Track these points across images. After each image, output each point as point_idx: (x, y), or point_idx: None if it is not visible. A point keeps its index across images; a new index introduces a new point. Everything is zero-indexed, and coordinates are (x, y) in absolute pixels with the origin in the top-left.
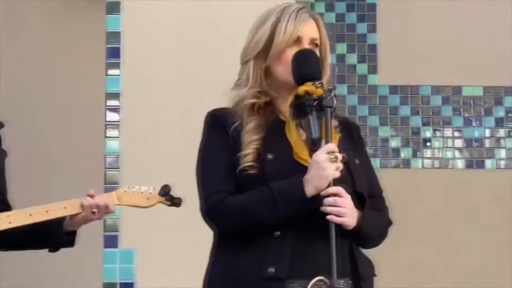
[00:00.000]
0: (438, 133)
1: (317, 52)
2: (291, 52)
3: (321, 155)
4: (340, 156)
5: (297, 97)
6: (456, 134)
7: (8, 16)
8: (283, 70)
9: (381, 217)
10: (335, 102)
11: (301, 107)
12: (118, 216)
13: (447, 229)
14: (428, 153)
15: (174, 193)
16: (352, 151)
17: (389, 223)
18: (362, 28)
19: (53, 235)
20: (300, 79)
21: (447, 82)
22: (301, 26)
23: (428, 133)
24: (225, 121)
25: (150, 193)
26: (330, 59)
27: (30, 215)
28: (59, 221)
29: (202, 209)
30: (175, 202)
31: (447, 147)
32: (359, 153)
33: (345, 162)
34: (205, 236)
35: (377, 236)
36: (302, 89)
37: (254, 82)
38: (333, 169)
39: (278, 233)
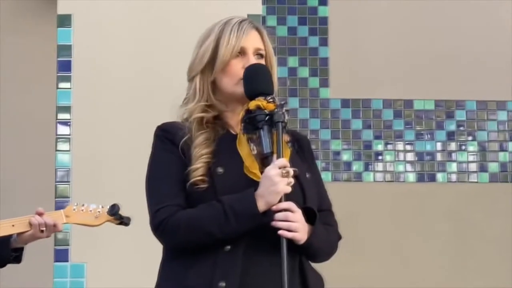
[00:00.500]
0: (389, 147)
1: (263, 62)
2: (236, 64)
3: (272, 170)
4: (291, 171)
5: (249, 111)
6: (408, 147)
7: None
8: (230, 82)
9: (331, 231)
10: (286, 117)
11: (252, 121)
12: (69, 230)
13: (398, 242)
14: (379, 166)
15: (123, 212)
16: (303, 165)
17: (338, 237)
18: (314, 41)
19: (1, 252)
20: (252, 94)
21: (398, 95)
22: (244, 37)
23: (379, 147)
24: (175, 135)
25: (99, 211)
26: (276, 70)
27: None
28: (6, 238)
29: (151, 223)
30: (123, 221)
31: (398, 160)
32: (309, 167)
33: (296, 176)
34: (156, 250)
35: (328, 250)
36: (253, 103)
37: (201, 96)
38: (285, 184)
39: (228, 247)
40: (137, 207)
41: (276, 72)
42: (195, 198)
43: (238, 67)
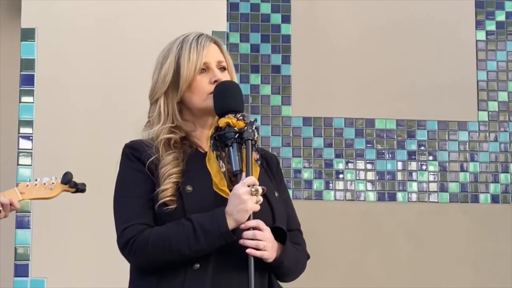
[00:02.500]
0: (350, 165)
1: (227, 75)
2: (202, 80)
3: (241, 187)
4: (260, 189)
5: (218, 128)
6: (369, 166)
7: None
8: (199, 99)
9: (300, 251)
10: (256, 134)
11: (222, 139)
12: (29, 245)
13: (358, 260)
14: (340, 185)
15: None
16: (271, 184)
17: (307, 256)
18: (276, 59)
19: None
20: (222, 111)
21: (360, 114)
22: (204, 52)
23: (340, 165)
24: (143, 153)
25: (53, 183)
26: (236, 80)
27: None
28: None
29: (118, 242)
30: (79, 188)
31: (359, 179)
32: (277, 186)
33: (264, 195)
34: (118, 266)
35: (297, 270)
36: (223, 121)
37: (166, 118)
38: (253, 202)
39: (197, 265)
40: (101, 223)
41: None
42: (164, 219)
43: (204, 83)
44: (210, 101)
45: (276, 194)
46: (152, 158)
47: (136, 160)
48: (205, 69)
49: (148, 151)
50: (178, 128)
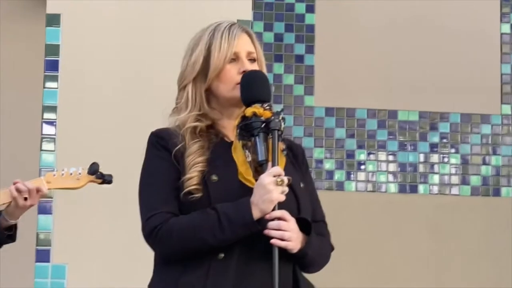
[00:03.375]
0: (372, 157)
1: (256, 67)
2: (231, 70)
3: (267, 178)
4: (286, 179)
5: (245, 118)
6: (390, 158)
7: None
8: (226, 88)
9: (324, 242)
10: (283, 124)
11: (248, 128)
12: (51, 231)
13: (378, 252)
14: (361, 176)
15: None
16: (297, 174)
17: (331, 248)
18: (300, 49)
19: None
20: (248, 101)
21: (383, 105)
22: (236, 42)
23: (362, 156)
24: (169, 142)
25: (80, 173)
26: (266, 71)
27: None
28: None
29: (143, 230)
30: (105, 179)
31: (380, 170)
32: (303, 177)
33: (290, 185)
34: (139, 253)
35: (321, 261)
36: (249, 110)
37: (194, 105)
38: (279, 193)
39: (222, 255)
40: (123, 210)
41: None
42: (189, 207)
43: (233, 73)
44: (237, 92)
45: (302, 185)
46: (178, 146)
47: (162, 148)
48: (235, 59)
49: (174, 139)
50: (205, 116)
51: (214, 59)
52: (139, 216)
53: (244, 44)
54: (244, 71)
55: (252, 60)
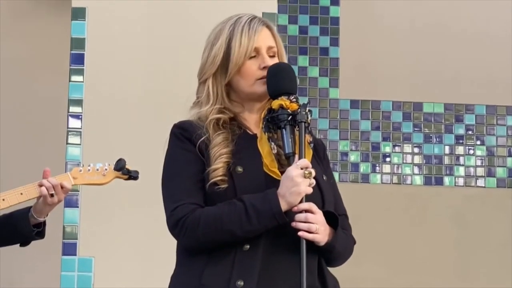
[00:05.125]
0: (397, 149)
1: (276, 61)
2: (251, 65)
3: (294, 170)
4: (313, 172)
5: (271, 110)
6: (416, 150)
7: None
8: (247, 84)
9: (348, 236)
10: (309, 117)
11: (275, 121)
12: (77, 224)
13: (403, 244)
14: (387, 168)
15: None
16: (319, 167)
17: (354, 242)
18: (324, 41)
19: (21, 228)
20: (275, 93)
21: (408, 98)
22: (256, 37)
23: (387, 149)
24: (192, 133)
25: (106, 169)
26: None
27: None
28: (24, 214)
29: (168, 221)
30: (132, 175)
31: (406, 163)
32: (324, 170)
33: (314, 177)
34: (165, 245)
35: (346, 254)
36: (276, 103)
37: (215, 99)
38: (306, 185)
39: (247, 246)
40: (149, 203)
41: None
42: (214, 198)
43: (253, 68)
44: (257, 87)
45: (324, 178)
46: (203, 138)
47: (186, 140)
48: (256, 54)
49: (198, 131)
50: (227, 109)
51: (235, 54)
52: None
53: (264, 39)
54: (265, 67)
55: (273, 55)
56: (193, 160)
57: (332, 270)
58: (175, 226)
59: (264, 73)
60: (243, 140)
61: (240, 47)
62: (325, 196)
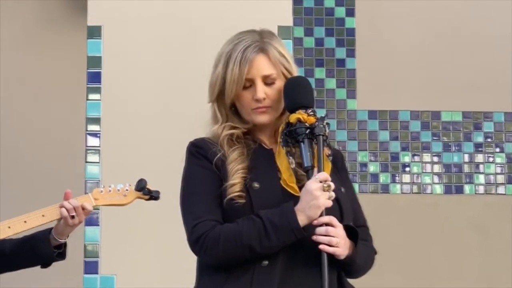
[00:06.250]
0: (416, 158)
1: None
2: (245, 96)
3: (313, 183)
4: (332, 184)
5: (289, 124)
6: (435, 159)
7: None
8: (245, 112)
9: (368, 247)
10: (327, 130)
11: (293, 135)
12: (98, 242)
13: (424, 253)
14: (406, 178)
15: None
16: (338, 179)
17: (375, 252)
18: (341, 52)
19: (42, 250)
20: (292, 107)
21: (426, 107)
22: (247, 68)
23: (406, 158)
24: (208, 151)
25: (127, 190)
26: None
27: (9, 227)
28: (45, 235)
29: (189, 238)
30: (153, 195)
31: (425, 172)
32: (343, 182)
33: (333, 190)
34: (186, 262)
35: (366, 266)
36: (294, 116)
37: (224, 119)
38: (326, 198)
39: (266, 262)
40: (169, 220)
41: None
42: (232, 214)
43: (248, 99)
44: (254, 117)
45: (343, 190)
46: (219, 155)
47: (202, 157)
48: (251, 84)
49: (213, 148)
50: (238, 126)
51: (229, 85)
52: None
53: (259, 69)
54: (257, 99)
55: (271, 82)
56: (210, 176)
57: (352, 281)
58: (195, 243)
59: (258, 104)
60: (259, 154)
61: (231, 79)
62: (343, 208)
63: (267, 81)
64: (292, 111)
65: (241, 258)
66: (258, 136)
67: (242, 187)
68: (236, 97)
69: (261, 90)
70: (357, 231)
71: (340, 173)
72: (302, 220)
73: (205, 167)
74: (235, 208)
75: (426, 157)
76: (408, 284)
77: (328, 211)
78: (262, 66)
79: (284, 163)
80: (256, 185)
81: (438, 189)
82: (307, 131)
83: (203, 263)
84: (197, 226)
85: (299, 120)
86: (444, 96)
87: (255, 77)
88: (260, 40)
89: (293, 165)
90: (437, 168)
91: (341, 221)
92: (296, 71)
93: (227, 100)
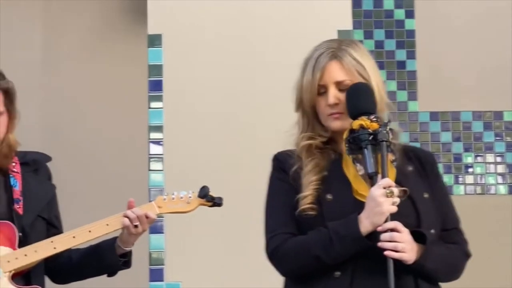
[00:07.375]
0: (479, 159)
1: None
2: (320, 102)
3: (376, 190)
4: (396, 190)
5: (352, 131)
6: (498, 159)
7: (48, 49)
8: (322, 118)
9: (453, 250)
10: (390, 135)
11: (356, 141)
12: (163, 249)
13: (490, 255)
14: (470, 179)
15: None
16: (421, 184)
17: (466, 255)
18: (401, 54)
19: (108, 259)
20: (354, 114)
21: (488, 107)
22: (319, 75)
23: (469, 159)
24: (285, 164)
25: (190, 197)
26: (381, 84)
27: (74, 237)
28: (110, 244)
29: (266, 251)
30: (216, 202)
31: (489, 172)
32: (430, 186)
33: (409, 196)
34: (250, 270)
35: (447, 270)
36: (356, 123)
37: (306, 127)
38: (389, 204)
39: (338, 273)
40: (234, 227)
41: (381, 87)
42: (304, 226)
43: (322, 105)
44: (330, 122)
45: (426, 195)
46: (295, 167)
47: (281, 170)
48: (325, 90)
49: (290, 161)
50: (319, 134)
51: (304, 92)
52: (250, 234)
53: (331, 75)
54: (329, 105)
55: (345, 88)
56: (287, 190)
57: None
58: (271, 256)
59: (332, 110)
60: (335, 164)
61: (306, 84)
62: (421, 214)
63: (341, 87)
64: (355, 117)
65: (311, 268)
66: (339, 145)
67: (314, 199)
68: (314, 103)
69: (333, 96)
70: (425, 234)
71: (428, 177)
72: (366, 227)
73: (283, 180)
74: (306, 220)
75: (489, 157)
76: (474, 285)
77: (401, 217)
78: (334, 72)
79: (351, 172)
80: (329, 197)
81: (502, 189)
82: (370, 137)
83: (283, 274)
84: (272, 239)
85: (361, 127)
86: (505, 96)
87: (328, 83)
88: (336, 47)
89: (361, 172)
90: (500, 169)
91: (418, 225)
92: (374, 79)
93: (306, 107)
